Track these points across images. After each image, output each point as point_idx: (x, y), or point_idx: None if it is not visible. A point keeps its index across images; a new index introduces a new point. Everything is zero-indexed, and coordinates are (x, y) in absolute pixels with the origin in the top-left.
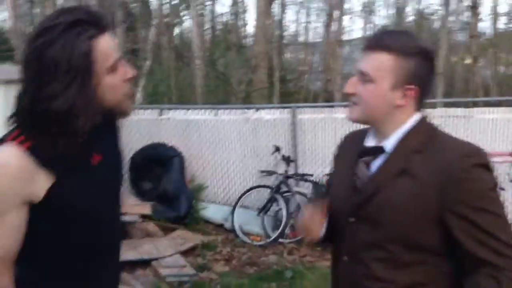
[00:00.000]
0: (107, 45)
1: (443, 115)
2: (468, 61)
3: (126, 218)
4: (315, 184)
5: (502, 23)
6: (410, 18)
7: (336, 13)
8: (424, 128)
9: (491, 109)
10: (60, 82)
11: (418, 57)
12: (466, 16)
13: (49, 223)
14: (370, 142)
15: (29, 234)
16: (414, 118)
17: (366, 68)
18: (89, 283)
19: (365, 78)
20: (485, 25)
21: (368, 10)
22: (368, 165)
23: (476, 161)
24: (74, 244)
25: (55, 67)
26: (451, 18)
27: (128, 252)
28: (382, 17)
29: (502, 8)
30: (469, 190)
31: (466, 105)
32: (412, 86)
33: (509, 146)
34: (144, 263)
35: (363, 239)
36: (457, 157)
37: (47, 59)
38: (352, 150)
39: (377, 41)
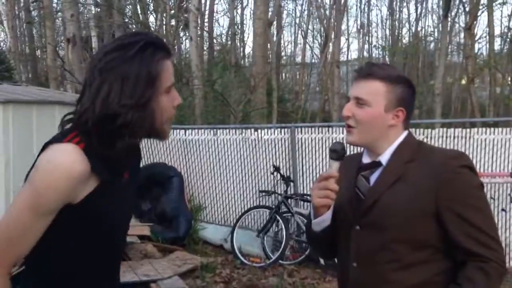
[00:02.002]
0: (169, 69)
1: (441, 136)
2: (464, 82)
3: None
4: (335, 143)
5: (497, 44)
6: (406, 39)
7: (332, 34)
8: (412, 142)
9: (488, 129)
10: (135, 94)
11: (403, 84)
12: (461, 37)
13: (71, 226)
14: (366, 160)
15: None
16: (403, 135)
17: (362, 94)
18: None
19: (361, 102)
20: (480, 46)
21: (364, 32)
22: (367, 178)
23: (461, 163)
24: (87, 252)
25: (135, 80)
26: (446, 40)
27: (126, 274)
28: (378, 38)
29: (497, 30)
30: (458, 188)
31: (463, 125)
32: (401, 108)
33: (508, 166)
34: (143, 285)
35: (370, 244)
36: (444, 160)
37: (124, 72)
38: (351, 168)
39: (370, 71)
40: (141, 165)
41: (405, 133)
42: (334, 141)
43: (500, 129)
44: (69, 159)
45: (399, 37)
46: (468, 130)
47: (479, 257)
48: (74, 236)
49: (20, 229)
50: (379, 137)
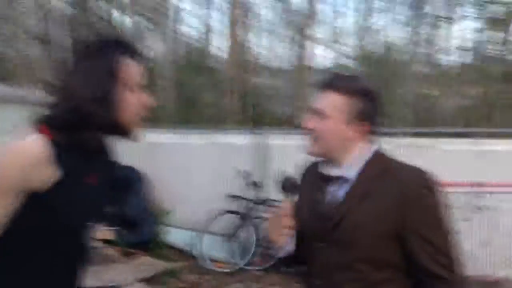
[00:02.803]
0: (131, 68)
1: (410, 145)
2: (434, 93)
3: None
4: (285, 179)
5: (467, 56)
6: (377, 49)
7: (305, 41)
8: (380, 158)
9: (455, 140)
10: (96, 88)
11: (365, 97)
12: (431, 48)
13: (33, 217)
14: (328, 171)
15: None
16: (371, 149)
17: (322, 106)
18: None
19: (321, 115)
20: (450, 58)
21: (335, 40)
22: (331, 192)
23: (427, 184)
24: (42, 247)
25: (97, 75)
26: (417, 50)
27: (90, 279)
28: (349, 46)
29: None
30: (423, 209)
31: (432, 135)
32: (363, 122)
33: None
34: None
35: (334, 262)
36: (411, 181)
37: (87, 67)
38: (313, 178)
39: (330, 83)
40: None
41: (373, 147)
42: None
43: (464, 139)
44: (30, 142)
45: (369, 47)
46: (434, 140)
47: (440, 279)
48: (32, 227)
49: None
50: (341, 150)
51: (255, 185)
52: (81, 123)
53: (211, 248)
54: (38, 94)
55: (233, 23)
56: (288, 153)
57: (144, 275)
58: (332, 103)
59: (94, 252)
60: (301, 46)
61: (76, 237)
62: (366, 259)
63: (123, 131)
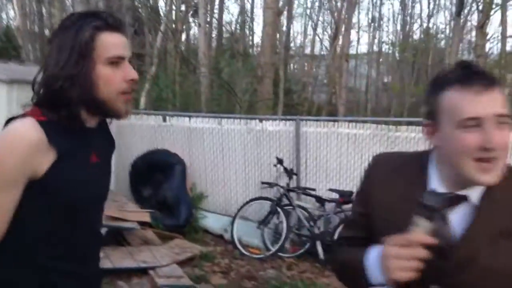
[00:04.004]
0: (109, 40)
1: None
2: None
3: (124, 224)
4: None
5: (509, 45)
6: (416, 36)
7: (342, 27)
8: (507, 172)
9: None
10: (68, 63)
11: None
12: (473, 36)
13: (37, 199)
14: (437, 186)
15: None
16: None
17: (500, 108)
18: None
19: (504, 120)
20: (492, 46)
21: (374, 26)
22: (445, 218)
23: None
24: (50, 229)
25: (69, 49)
26: (458, 38)
27: (125, 260)
28: (389, 33)
29: (510, 30)
30: None
31: None
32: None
33: None
34: (141, 272)
35: None
36: None
37: (60, 42)
38: (406, 188)
39: (491, 78)
40: (142, 152)
41: None
42: (342, 139)
43: None
44: (24, 127)
45: (410, 33)
46: None
47: None
48: (37, 212)
49: None
50: None
51: (289, 172)
52: (56, 101)
53: (245, 233)
54: None
55: (268, 9)
56: (323, 141)
57: (179, 258)
58: (503, 99)
59: (131, 233)
60: (338, 32)
61: (83, 217)
62: None
63: (106, 109)
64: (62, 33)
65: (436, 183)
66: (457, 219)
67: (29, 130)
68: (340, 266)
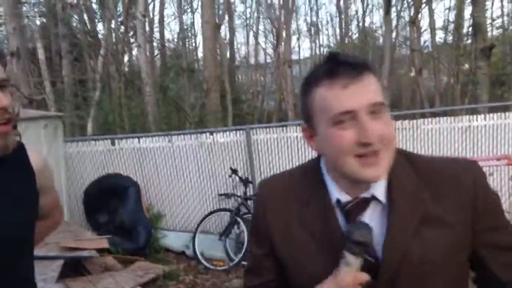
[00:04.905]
0: None
1: (397, 128)
2: (412, 74)
3: (82, 254)
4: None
5: (439, 37)
6: (355, 36)
7: (283, 34)
8: (403, 161)
9: (434, 119)
10: None
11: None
12: (407, 30)
13: None
14: (338, 195)
15: None
16: None
17: (375, 97)
18: None
19: (377, 109)
20: (426, 39)
21: (314, 30)
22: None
23: (482, 174)
24: None
25: None
26: (391, 35)
27: None
28: (329, 35)
29: (438, 22)
30: (493, 210)
31: (413, 116)
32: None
33: (453, 154)
34: None
35: None
36: (467, 178)
37: None
38: (306, 211)
39: (360, 65)
40: (94, 178)
41: None
42: (292, 143)
43: (445, 118)
44: None
45: (348, 34)
46: (415, 121)
47: None
48: None
49: None
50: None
51: (244, 181)
52: None
53: (207, 247)
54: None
55: (207, 23)
56: (274, 147)
57: (143, 280)
58: (376, 85)
59: (90, 261)
60: (280, 40)
61: None
62: None
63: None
64: None
65: (335, 192)
66: (373, 222)
67: None
68: None
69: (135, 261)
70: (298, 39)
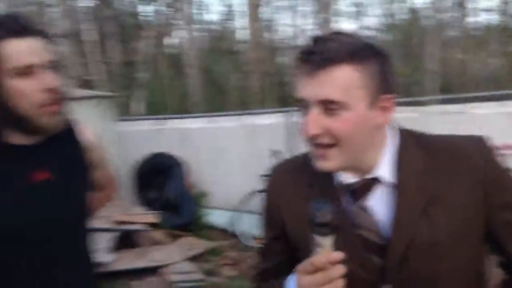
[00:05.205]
0: (12, 48)
1: (440, 112)
2: (460, 56)
3: (132, 227)
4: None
5: (491, 18)
6: (401, 16)
7: (326, 15)
8: (411, 140)
9: (484, 104)
10: None
11: (378, 57)
12: (456, 12)
13: None
14: (345, 178)
15: None
16: (392, 130)
17: (330, 93)
18: None
19: (333, 107)
20: (475, 20)
21: (358, 11)
22: (364, 209)
23: (491, 151)
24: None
25: None
26: (441, 15)
27: (137, 260)
28: (373, 17)
29: (491, 3)
30: (506, 187)
31: (461, 101)
32: (387, 95)
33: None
34: (153, 270)
35: None
36: (477, 156)
37: None
38: (314, 194)
39: (328, 54)
40: (142, 156)
41: (392, 127)
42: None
43: (494, 102)
44: None
45: (395, 15)
46: (464, 105)
47: None
48: None
49: None
50: (367, 149)
51: None
52: None
53: (249, 226)
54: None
55: (253, 3)
56: None
57: (189, 254)
58: (345, 82)
59: (140, 235)
60: (325, 21)
61: (28, 247)
62: (458, 283)
63: (31, 126)
64: None
65: (342, 174)
66: (379, 205)
67: None
68: None
69: (181, 236)
70: (341, 20)
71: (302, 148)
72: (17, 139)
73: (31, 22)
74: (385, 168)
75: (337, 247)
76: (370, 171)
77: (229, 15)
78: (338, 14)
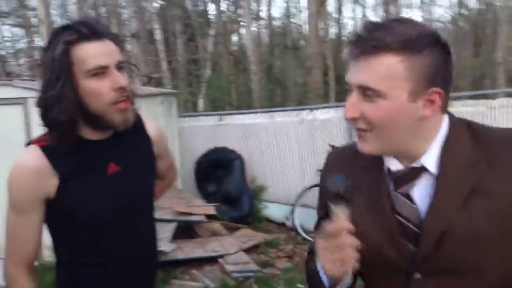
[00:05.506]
0: (85, 51)
1: (505, 105)
2: None
3: (193, 218)
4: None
5: None
6: (471, 7)
7: (393, 7)
8: (463, 131)
9: None
10: (51, 82)
11: (433, 48)
12: None
13: (58, 220)
14: (394, 164)
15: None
16: (445, 122)
17: (368, 80)
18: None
19: (370, 94)
20: None
21: (427, 1)
22: (408, 196)
23: None
24: (78, 245)
25: (50, 68)
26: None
27: (196, 250)
28: (443, 8)
29: None
30: None
31: None
32: (436, 89)
33: None
34: (211, 260)
35: None
36: None
37: (43, 62)
38: (364, 177)
39: (376, 41)
40: (203, 151)
41: (446, 119)
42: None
43: None
44: (25, 158)
45: (465, 5)
46: None
47: None
48: (62, 228)
49: (12, 230)
50: (409, 140)
51: None
52: (47, 124)
53: (305, 220)
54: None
55: None
56: None
57: (246, 246)
58: (385, 71)
59: (199, 226)
60: (388, 13)
61: (115, 228)
62: (496, 283)
63: (103, 122)
64: (45, 52)
65: (389, 161)
66: (421, 193)
67: (28, 160)
68: (307, 278)
69: (239, 228)
70: (408, 11)
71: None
72: (90, 134)
73: (102, 25)
74: (431, 158)
75: (375, 229)
76: (417, 159)
77: (292, 10)
78: (407, 5)
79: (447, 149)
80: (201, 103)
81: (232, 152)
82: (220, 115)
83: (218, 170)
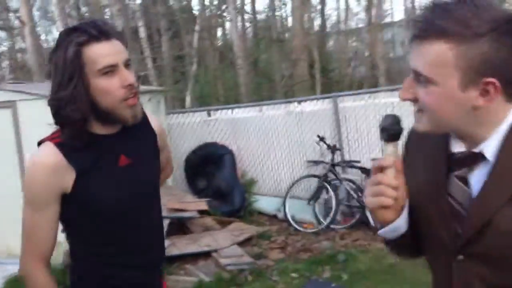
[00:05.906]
0: (95, 51)
1: None
2: None
3: (185, 214)
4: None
5: None
6: None
7: None
8: None
9: None
10: (63, 82)
11: (493, 35)
12: None
13: (75, 213)
14: (457, 146)
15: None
16: (510, 113)
17: (419, 65)
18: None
19: (422, 79)
20: None
21: None
22: (465, 180)
23: None
24: (96, 235)
25: (61, 68)
26: None
27: (189, 245)
28: None
29: None
30: None
31: None
32: (490, 79)
33: None
34: (205, 255)
35: (488, 283)
36: None
37: (54, 62)
38: (430, 154)
39: (427, 25)
40: (193, 147)
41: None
42: (380, 110)
43: None
44: (40, 155)
45: None
46: None
47: None
48: (79, 221)
49: (29, 225)
50: (465, 125)
51: (332, 148)
52: (59, 122)
53: (297, 211)
54: None
55: None
56: (361, 114)
57: (239, 239)
58: (435, 58)
59: (192, 222)
60: (371, 2)
61: (128, 218)
62: None
63: (113, 118)
64: (55, 53)
65: (454, 143)
66: (478, 179)
67: (45, 156)
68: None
69: (232, 222)
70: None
71: (348, 133)
72: (100, 129)
73: (109, 25)
74: (491, 146)
75: (428, 210)
76: (478, 145)
77: (276, 3)
78: None
79: (507, 143)
80: (188, 99)
81: (221, 147)
82: (208, 110)
83: (209, 166)
